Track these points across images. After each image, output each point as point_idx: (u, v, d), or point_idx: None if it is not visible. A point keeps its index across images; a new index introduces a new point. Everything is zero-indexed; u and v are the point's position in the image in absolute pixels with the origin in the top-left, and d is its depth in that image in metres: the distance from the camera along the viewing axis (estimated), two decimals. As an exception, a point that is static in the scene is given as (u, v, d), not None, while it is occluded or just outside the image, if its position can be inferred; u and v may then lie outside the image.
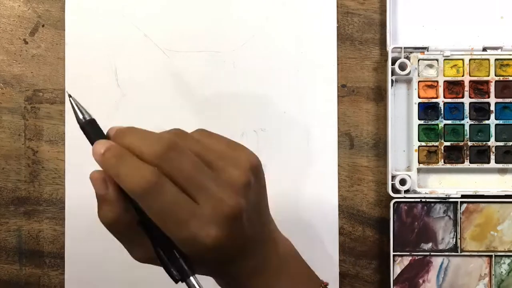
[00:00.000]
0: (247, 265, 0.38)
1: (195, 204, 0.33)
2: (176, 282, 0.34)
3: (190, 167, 0.33)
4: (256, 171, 0.36)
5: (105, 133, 0.35)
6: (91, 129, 0.35)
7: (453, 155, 0.52)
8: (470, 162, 0.52)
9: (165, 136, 0.34)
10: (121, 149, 0.34)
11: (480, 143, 0.52)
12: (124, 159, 0.33)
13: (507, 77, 0.52)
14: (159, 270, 0.54)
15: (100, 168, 0.35)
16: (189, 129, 0.53)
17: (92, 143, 0.35)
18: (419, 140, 0.52)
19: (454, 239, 0.52)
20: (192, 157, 0.34)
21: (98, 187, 0.35)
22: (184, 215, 0.33)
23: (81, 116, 0.35)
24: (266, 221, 0.39)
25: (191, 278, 0.34)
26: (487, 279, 0.52)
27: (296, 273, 0.40)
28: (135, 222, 0.34)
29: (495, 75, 0.52)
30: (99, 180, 0.35)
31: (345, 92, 0.54)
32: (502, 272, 0.52)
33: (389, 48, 0.52)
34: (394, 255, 0.52)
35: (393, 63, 0.52)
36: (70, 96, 0.35)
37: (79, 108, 0.35)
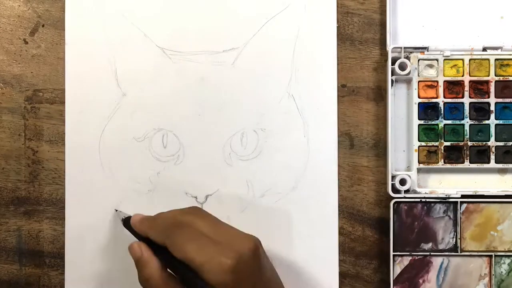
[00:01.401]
0: None
1: (214, 242, 0.42)
2: None
3: (214, 219, 0.45)
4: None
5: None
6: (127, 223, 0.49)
7: (453, 155, 0.52)
8: (470, 162, 0.52)
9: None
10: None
11: (480, 143, 0.52)
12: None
13: (507, 77, 0.52)
14: (159, 270, 0.54)
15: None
16: (189, 129, 0.53)
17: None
18: (419, 140, 0.52)
19: (454, 239, 0.52)
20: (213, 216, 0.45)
21: (134, 251, 0.45)
22: (204, 244, 0.42)
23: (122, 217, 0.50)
24: None
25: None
26: (487, 279, 0.52)
27: None
28: (165, 274, 0.43)
29: (495, 75, 0.52)
30: (136, 246, 0.45)
31: (345, 92, 0.54)
32: (502, 272, 0.52)
33: (389, 48, 0.52)
34: (394, 255, 0.52)
35: (393, 63, 0.52)
36: (116, 210, 0.52)
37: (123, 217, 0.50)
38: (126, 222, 0.48)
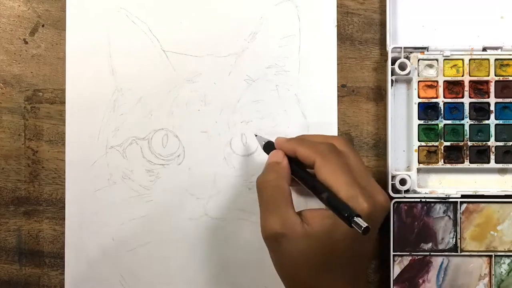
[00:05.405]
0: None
1: (358, 182, 0.42)
2: (349, 222, 0.39)
3: (361, 159, 0.45)
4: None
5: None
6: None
7: (453, 155, 0.52)
8: (470, 162, 0.52)
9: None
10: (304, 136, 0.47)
11: (480, 143, 0.52)
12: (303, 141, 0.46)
13: (507, 77, 0.52)
14: (157, 269, 0.54)
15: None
16: (189, 129, 0.53)
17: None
18: (419, 140, 0.52)
19: (454, 239, 0.52)
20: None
21: (276, 155, 0.45)
22: (352, 180, 0.41)
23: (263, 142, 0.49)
24: (366, 272, 0.49)
25: (357, 218, 0.39)
26: (487, 279, 0.52)
27: None
28: (287, 189, 0.44)
29: (495, 75, 0.52)
30: (279, 152, 0.45)
31: (345, 92, 0.54)
32: (502, 272, 0.52)
33: (389, 48, 0.52)
34: (394, 255, 0.52)
35: (393, 63, 0.52)
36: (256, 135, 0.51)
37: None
38: (268, 146, 0.48)
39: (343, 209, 0.40)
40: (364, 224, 0.38)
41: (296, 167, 0.45)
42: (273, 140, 0.48)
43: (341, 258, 0.42)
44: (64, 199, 0.53)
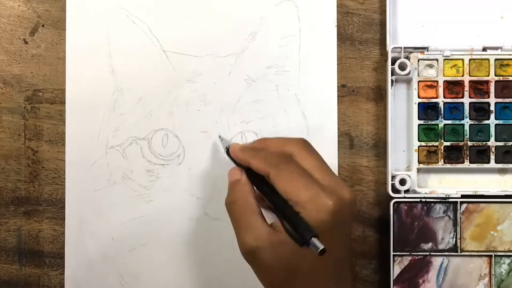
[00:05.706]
0: None
1: (317, 182, 0.41)
2: (301, 245, 0.39)
3: (320, 159, 0.44)
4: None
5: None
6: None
7: (453, 155, 0.52)
8: (470, 162, 0.52)
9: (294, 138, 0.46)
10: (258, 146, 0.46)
11: (480, 143, 0.52)
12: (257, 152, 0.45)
13: (507, 77, 0.52)
14: (157, 269, 0.54)
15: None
16: (189, 129, 0.53)
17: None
18: (419, 140, 0.52)
19: (454, 239, 0.52)
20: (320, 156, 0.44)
21: (234, 174, 0.45)
22: (309, 183, 0.41)
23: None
24: (351, 273, 0.46)
25: (314, 238, 0.38)
26: (487, 279, 0.52)
27: None
28: (253, 200, 0.43)
29: (495, 75, 0.52)
30: (236, 170, 0.45)
31: (345, 92, 0.54)
32: (502, 272, 0.52)
33: (389, 48, 0.52)
34: (394, 255, 0.52)
35: (393, 63, 0.52)
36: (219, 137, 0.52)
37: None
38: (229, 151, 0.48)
39: (296, 235, 0.39)
40: (320, 246, 0.38)
41: (257, 182, 0.44)
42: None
43: (317, 262, 0.42)
44: (64, 199, 0.53)
